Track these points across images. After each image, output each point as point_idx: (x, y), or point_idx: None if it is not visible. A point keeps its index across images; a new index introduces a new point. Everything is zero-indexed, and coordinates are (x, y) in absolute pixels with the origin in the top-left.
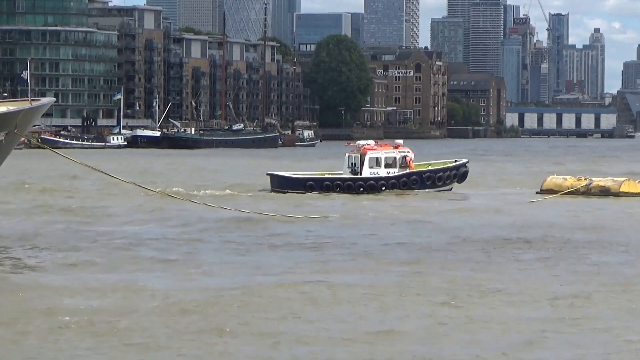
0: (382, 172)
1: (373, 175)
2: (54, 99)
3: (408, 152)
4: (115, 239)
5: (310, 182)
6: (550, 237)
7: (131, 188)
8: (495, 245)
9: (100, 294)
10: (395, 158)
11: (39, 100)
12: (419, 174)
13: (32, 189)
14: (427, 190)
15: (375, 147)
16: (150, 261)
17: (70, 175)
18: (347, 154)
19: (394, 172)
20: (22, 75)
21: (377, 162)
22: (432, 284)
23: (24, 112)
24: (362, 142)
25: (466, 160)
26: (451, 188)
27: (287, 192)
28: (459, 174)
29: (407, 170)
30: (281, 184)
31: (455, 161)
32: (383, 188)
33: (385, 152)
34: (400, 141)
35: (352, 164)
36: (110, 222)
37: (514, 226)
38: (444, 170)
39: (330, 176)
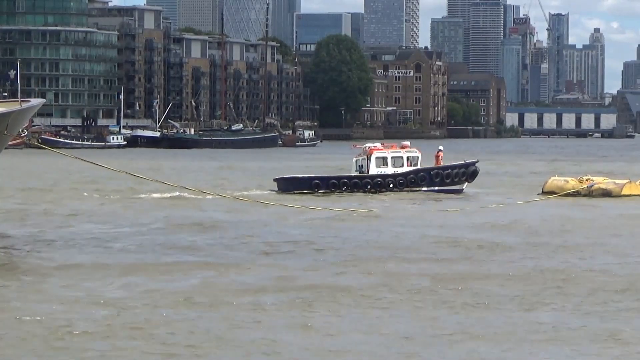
0: (390, 171)
1: (380, 173)
2: (44, 100)
3: (415, 151)
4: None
5: (317, 182)
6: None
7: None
8: None
9: None
10: (402, 158)
11: (28, 101)
12: (427, 171)
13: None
14: (435, 188)
15: (382, 148)
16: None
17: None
18: (354, 159)
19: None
20: (9, 73)
21: (383, 161)
22: None
23: (14, 113)
24: (368, 144)
25: (475, 159)
26: (462, 189)
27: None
28: (468, 173)
29: (415, 167)
30: (287, 186)
31: (464, 161)
32: (390, 185)
33: (391, 151)
34: (407, 142)
35: (359, 166)
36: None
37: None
38: (453, 167)
39: (337, 175)
